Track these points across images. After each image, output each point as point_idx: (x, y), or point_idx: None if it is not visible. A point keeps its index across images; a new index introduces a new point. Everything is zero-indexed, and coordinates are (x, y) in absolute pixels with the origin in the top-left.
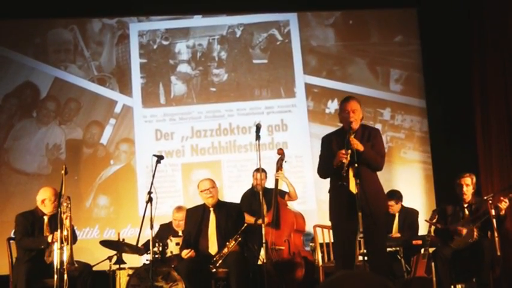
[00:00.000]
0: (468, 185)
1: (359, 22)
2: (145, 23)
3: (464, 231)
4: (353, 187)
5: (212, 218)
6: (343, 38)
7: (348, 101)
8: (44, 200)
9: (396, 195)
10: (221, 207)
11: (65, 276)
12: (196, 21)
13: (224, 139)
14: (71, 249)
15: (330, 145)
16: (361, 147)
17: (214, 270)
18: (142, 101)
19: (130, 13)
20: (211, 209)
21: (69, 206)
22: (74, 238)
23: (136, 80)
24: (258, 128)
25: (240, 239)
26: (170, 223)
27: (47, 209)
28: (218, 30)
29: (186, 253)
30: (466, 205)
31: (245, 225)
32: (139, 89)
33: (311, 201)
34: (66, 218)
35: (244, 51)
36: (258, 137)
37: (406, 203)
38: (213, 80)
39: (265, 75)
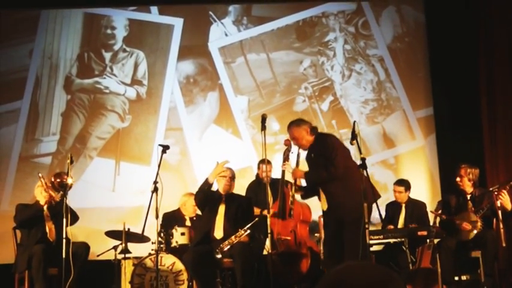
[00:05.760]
0: (462, 177)
1: None
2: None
3: (468, 227)
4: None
5: (222, 205)
6: None
7: (287, 131)
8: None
9: (405, 183)
10: (233, 198)
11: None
12: None
13: None
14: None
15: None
16: (299, 176)
17: (219, 256)
18: None
19: None
20: (223, 197)
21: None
22: (75, 218)
23: None
24: (264, 118)
25: (249, 231)
26: (174, 212)
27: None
28: None
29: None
30: (469, 196)
31: (256, 219)
32: None
33: None
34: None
35: None
36: (263, 128)
37: (412, 194)
38: None
39: None
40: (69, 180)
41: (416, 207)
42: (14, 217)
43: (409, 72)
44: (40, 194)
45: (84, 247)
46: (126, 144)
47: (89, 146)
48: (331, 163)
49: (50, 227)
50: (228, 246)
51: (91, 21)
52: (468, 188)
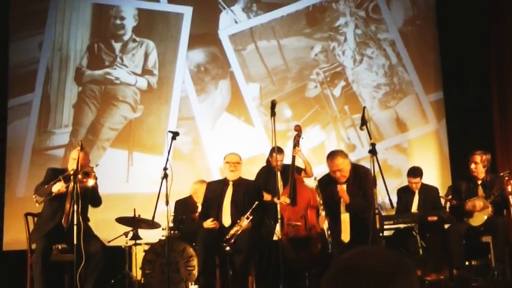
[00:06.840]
0: (477, 163)
1: None
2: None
3: (478, 204)
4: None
5: (229, 191)
6: None
7: (331, 160)
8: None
9: (420, 173)
10: (240, 183)
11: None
12: None
13: None
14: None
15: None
16: (346, 199)
17: (228, 248)
18: None
19: None
20: (231, 183)
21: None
22: (98, 200)
23: None
24: (273, 104)
25: (251, 217)
26: (185, 199)
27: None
28: None
29: (209, 223)
30: (480, 182)
31: (256, 203)
32: None
33: None
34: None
35: None
36: (273, 114)
37: (424, 179)
38: None
39: None
40: (90, 182)
41: (429, 193)
42: (40, 183)
43: (421, 55)
44: (71, 166)
45: (102, 255)
46: (138, 134)
47: (101, 137)
48: (370, 194)
49: (67, 213)
50: (233, 239)
51: (100, 12)
52: (481, 174)
